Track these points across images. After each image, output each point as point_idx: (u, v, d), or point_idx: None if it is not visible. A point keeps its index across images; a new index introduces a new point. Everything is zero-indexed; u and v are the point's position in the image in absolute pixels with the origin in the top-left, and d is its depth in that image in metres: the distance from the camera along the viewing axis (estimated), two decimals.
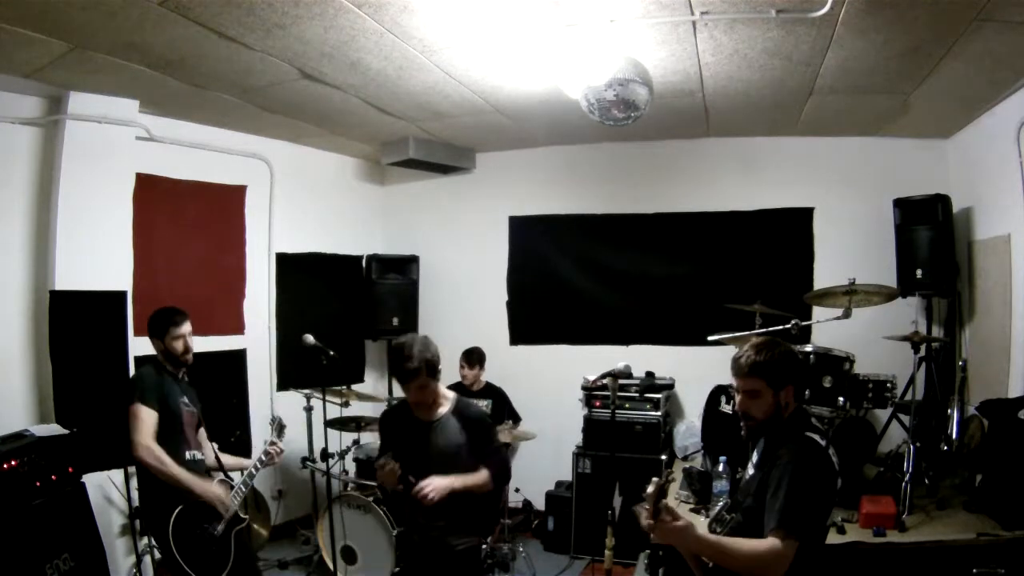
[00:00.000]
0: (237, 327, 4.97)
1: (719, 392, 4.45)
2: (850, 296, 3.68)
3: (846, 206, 4.91)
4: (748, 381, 2.13)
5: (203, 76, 3.63)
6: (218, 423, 3.80)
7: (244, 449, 4.59)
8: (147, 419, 2.99)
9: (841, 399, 3.58)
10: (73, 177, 3.80)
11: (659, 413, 4.73)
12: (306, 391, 4.32)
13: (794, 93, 3.97)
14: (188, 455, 3.14)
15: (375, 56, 3.39)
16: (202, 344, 3.42)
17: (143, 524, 3.55)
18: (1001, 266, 3.92)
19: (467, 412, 2.88)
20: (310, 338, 3.29)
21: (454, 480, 2.70)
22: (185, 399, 3.21)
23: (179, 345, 3.20)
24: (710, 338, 3.94)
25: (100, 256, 3.88)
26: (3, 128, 3.70)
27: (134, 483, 3.48)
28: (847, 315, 3.64)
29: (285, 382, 5.11)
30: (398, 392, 5.41)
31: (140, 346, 3.80)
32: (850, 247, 4.85)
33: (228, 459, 3.44)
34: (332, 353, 3.26)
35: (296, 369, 5.08)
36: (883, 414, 4.25)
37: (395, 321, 5.48)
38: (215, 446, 3.39)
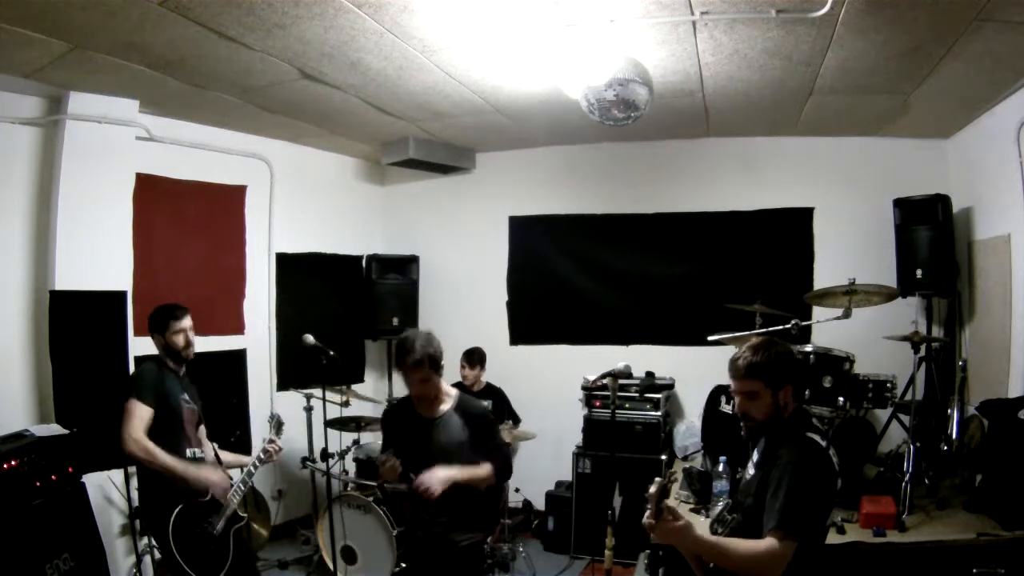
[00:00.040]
0: (237, 327, 4.97)
1: (719, 392, 4.44)
2: (850, 296, 3.68)
3: (846, 206, 4.91)
4: (745, 383, 2.12)
5: (203, 76, 3.63)
6: (218, 423, 3.80)
7: (244, 449, 4.57)
8: (139, 414, 2.98)
9: (841, 399, 3.58)
10: (73, 177, 3.80)
11: (659, 413, 4.73)
12: (306, 391, 4.32)
13: (794, 93, 3.97)
14: (188, 452, 3.14)
15: (375, 56, 3.39)
16: (202, 344, 3.42)
17: (143, 524, 3.55)
18: (1001, 266, 3.92)
19: (470, 408, 2.88)
20: (310, 338, 3.29)
21: (456, 472, 2.70)
22: (186, 396, 3.21)
23: (180, 340, 3.20)
24: (710, 338, 3.94)
25: (100, 256, 3.88)
26: (3, 128, 3.70)
27: (134, 483, 3.48)
28: (847, 315, 3.64)
29: (285, 382, 5.11)
30: (398, 392, 5.45)
31: (140, 346, 3.80)
32: (850, 247, 4.86)
33: (227, 456, 3.44)
34: (332, 353, 3.26)
35: (296, 369, 5.08)
36: (883, 414, 4.25)
37: (395, 321, 5.48)
38: (215, 445, 3.39)
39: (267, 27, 2.99)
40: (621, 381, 3.59)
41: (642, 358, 4.97)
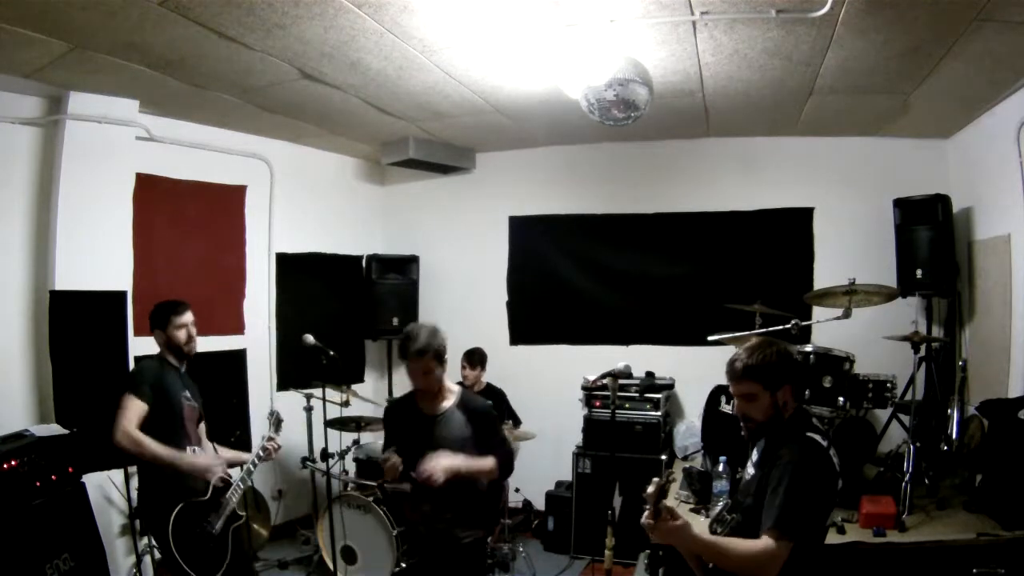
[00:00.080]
0: (237, 327, 4.97)
1: (719, 392, 4.44)
2: (850, 296, 3.67)
3: (846, 206, 4.91)
4: (743, 385, 2.11)
5: (203, 76, 3.63)
6: (218, 423, 3.80)
7: (244, 449, 4.57)
8: (132, 408, 2.97)
9: (841, 399, 3.58)
10: (73, 177, 3.80)
11: (659, 413, 4.73)
12: (306, 391, 4.32)
13: (794, 93, 3.97)
14: (188, 450, 3.13)
15: (375, 56, 3.39)
16: (202, 344, 3.41)
17: (143, 524, 3.54)
18: (1001, 266, 3.92)
19: (472, 405, 2.88)
20: (310, 338, 3.29)
21: (460, 460, 2.68)
22: (187, 393, 3.20)
23: (182, 334, 3.19)
24: (710, 338, 3.93)
25: (100, 256, 3.89)
26: (3, 128, 3.71)
27: (134, 483, 3.48)
28: (847, 315, 3.63)
29: (285, 382, 5.11)
30: (398, 392, 5.44)
31: (140, 346, 3.80)
32: (850, 247, 4.86)
33: (226, 452, 3.42)
34: (332, 353, 3.26)
35: (296, 369, 5.08)
36: (883, 414, 4.26)
37: (395, 321, 5.48)
38: (214, 445, 3.38)
39: (267, 27, 2.99)
40: (621, 381, 3.59)
41: (642, 358, 4.97)
